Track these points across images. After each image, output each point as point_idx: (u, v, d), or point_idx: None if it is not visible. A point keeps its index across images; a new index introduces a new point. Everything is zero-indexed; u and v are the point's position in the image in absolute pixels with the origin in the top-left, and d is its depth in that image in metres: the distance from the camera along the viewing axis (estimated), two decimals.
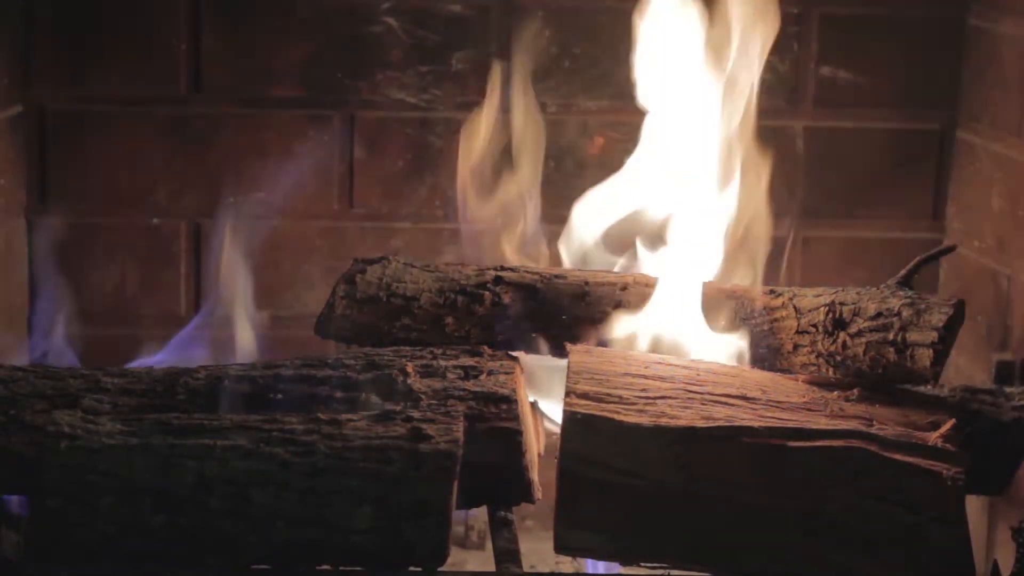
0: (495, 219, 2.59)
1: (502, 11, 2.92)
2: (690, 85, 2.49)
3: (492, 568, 2.08)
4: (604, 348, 2.29)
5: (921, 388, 2.21)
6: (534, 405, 2.28)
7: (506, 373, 2.18)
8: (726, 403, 2.08)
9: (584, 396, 2.05)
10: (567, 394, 2.05)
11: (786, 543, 1.98)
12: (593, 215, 2.56)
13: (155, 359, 2.46)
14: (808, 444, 2.00)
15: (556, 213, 2.62)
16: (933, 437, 2.04)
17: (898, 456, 2.01)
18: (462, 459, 1.97)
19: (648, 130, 2.54)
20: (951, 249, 2.42)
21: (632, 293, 2.35)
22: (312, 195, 2.97)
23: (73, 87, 2.91)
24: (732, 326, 2.30)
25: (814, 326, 2.25)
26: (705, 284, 2.36)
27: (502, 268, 2.41)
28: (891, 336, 2.16)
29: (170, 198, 2.96)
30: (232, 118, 2.93)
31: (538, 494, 2.16)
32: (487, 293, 2.36)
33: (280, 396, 2.13)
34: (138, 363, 2.43)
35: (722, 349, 2.30)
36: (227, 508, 1.95)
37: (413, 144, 2.96)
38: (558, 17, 2.92)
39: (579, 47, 2.91)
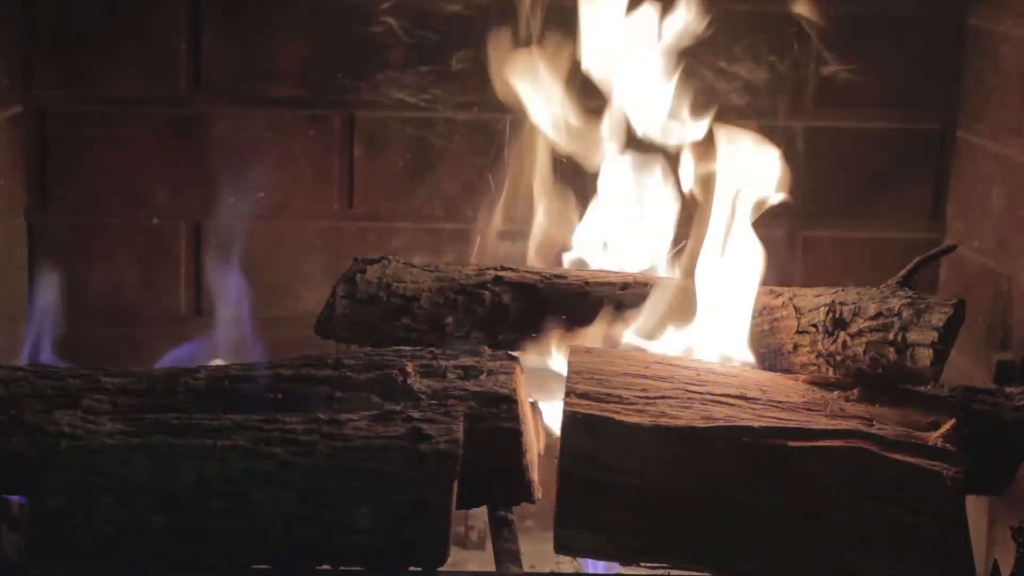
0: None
1: (502, 11, 2.92)
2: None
3: (492, 568, 2.08)
4: (604, 348, 2.29)
5: (921, 388, 2.21)
6: (534, 405, 2.28)
7: (506, 373, 2.18)
8: (726, 403, 2.08)
9: (584, 396, 2.05)
10: (567, 394, 2.05)
11: (786, 543, 1.98)
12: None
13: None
14: (808, 444, 2.01)
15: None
16: (933, 437, 2.04)
17: (898, 456, 2.01)
18: (462, 459, 1.97)
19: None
20: (951, 249, 2.42)
21: (632, 293, 2.35)
22: (312, 195, 2.97)
23: (73, 87, 2.91)
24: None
25: (814, 326, 2.25)
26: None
27: (502, 268, 2.41)
28: (891, 336, 2.16)
29: (170, 198, 2.95)
30: (232, 118, 2.93)
31: (538, 494, 2.16)
32: (487, 293, 2.36)
33: (280, 396, 2.13)
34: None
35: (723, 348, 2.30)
36: (227, 508, 1.95)
37: (413, 144, 2.96)
38: (558, 17, 2.92)
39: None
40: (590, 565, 2.32)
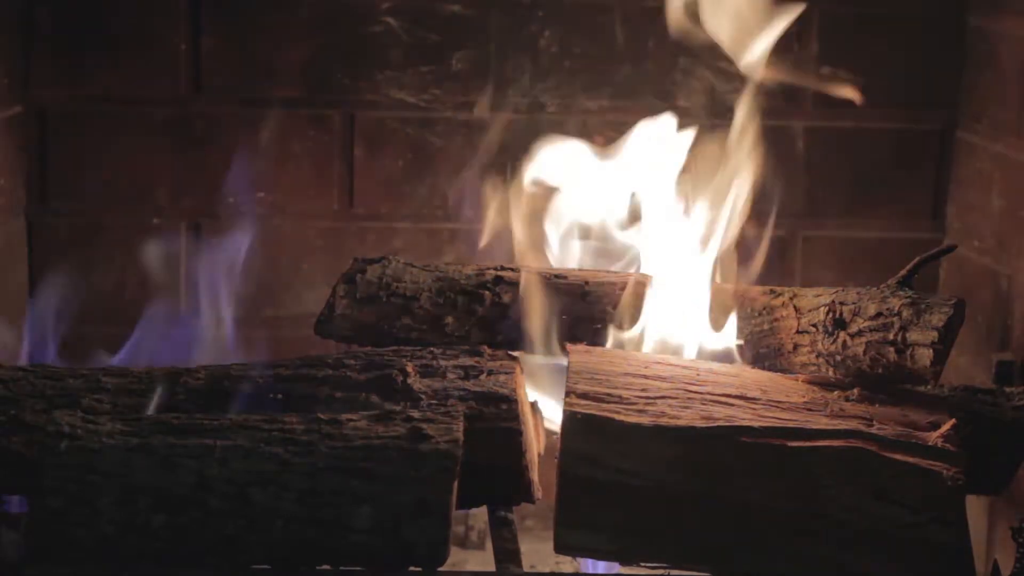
0: None
1: (502, 11, 2.92)
2: None
3: (492, 568, 2.08)
4: (604, 348, 2.29)
5: (921, 388, 2.21)
6: (534, 405, 2.28)
7: (506, 373, 2.18)
8: (726, 403, 2.08)
9: (584, 396, 2.05)
10: (567, 394, 2.05)
11: (786, 543, 1.98)
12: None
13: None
14: (808, 444, 2.01)
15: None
16: (933, 437, 2.04)
17: (898, 456, 2.01)
18: (462, 459, 1.97)
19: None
20: (951, 249, 2.42)
21: (632, 292, 2.35)
22: (312, 195, 2.97)
23: (73, 87, 2.91)
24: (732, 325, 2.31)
25: (814, 326, 2.25)
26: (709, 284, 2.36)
27: (502, 268, 2.41)
28: (891, 336, 2.16)
29: (170, 198, 2.96)
30: (232, 118, 2.93)
31: (538, 494, 2.16)
32: (487, 293, 2.36)
33: (280, 396, 2.13)
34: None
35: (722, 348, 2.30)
36: (227, 508, 1.95)
37: (413, 144, 2.96)
38: (558, 17, 2.92)
39: (579, 47, 2.91)
40: (590, 565, 2.32)
